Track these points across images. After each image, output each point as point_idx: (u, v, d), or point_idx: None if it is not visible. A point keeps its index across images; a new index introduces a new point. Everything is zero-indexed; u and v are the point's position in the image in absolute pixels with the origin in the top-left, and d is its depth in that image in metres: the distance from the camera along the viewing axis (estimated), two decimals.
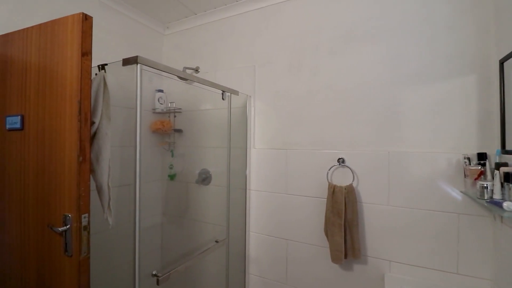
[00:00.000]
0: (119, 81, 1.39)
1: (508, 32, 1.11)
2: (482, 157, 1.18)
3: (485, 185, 1.07)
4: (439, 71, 1.34)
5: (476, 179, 1.14)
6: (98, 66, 1.17)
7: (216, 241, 1.70)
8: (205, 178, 1.99)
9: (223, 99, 1.70)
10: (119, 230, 1.46)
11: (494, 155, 1.16)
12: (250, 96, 1.87)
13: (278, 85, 1.77)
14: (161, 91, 2.10)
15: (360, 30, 1.52)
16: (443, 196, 1.31)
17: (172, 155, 2.15)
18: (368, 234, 1.47)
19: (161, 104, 2.08)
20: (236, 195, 1.85)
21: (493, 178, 1.08)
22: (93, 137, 1.11)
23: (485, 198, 1.07)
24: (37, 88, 1.10)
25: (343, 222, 1.43)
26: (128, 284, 1.12)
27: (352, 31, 1.54)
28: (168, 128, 2.07)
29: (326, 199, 1.52)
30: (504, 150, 1.12)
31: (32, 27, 1.12)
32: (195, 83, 1.53)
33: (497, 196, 1.04)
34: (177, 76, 1.36)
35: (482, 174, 1.14)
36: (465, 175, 1.23)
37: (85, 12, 1.01)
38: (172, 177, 2.15)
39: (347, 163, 1.52)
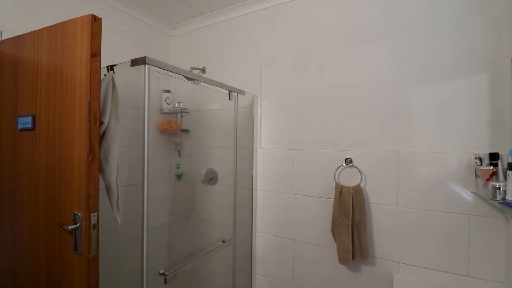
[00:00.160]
0: (127, 82, 1.41)
1: None
2: (494, 157, 1.15)
3: (498, 186, 1.05)
4: (448, 69, 1.31)
5: (488, 179, 1.12)
6: (107, 67, 1.18)
7: (223, 241, 1.70)
8: (211, 178, 1.99)
9: (229, 99, 1.71)
10: (127, 229, 1.47)
11: (506, 155, 1.13)
12: (257, 96, 1.87)
13: (284, 85, 1.77)
14: (168, 91, 2.12)
15: (367, 29, 1.51)
16: (453, 197, 1.29)
17: (179, 155, 2.16)
18: (376, 235, 1.45)
19: (168, 104, 2.10)
20: (243, 195, 1.85)
21: (505, 178, 1.05)
22: (102, 137, 1.12)
23: (497, 199, 1.04)
24: (48, 89, 1.12)
25: (350, 222, 1.42)
26: (136, 282, 1.14)
27: (359, 29, 1.53)
28: (175, 128, 2.08)
29: (333, 200, 1.51)
30: None
31: (43, 29, 1.14)
32: (202, 83, 1.54)
33: (510, 197, 1.01)
34: (184, 76, 1.37)
35: (494, 174, 1.11)
36: (476, 175, 1.20)
37: (94, 13, 1.03)
38: (179, 176, 2.16)
39: (354, 163, 1.51)
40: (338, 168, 1.55)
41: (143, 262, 1.12)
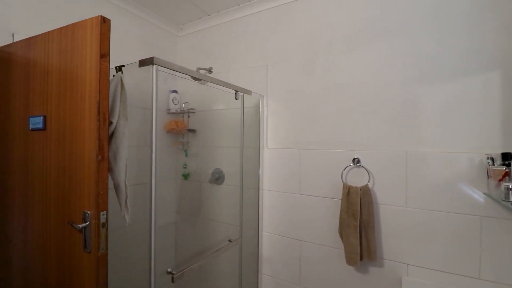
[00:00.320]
0: (135, 82, 1.43)
1: None
2: (507, 157, 1.13)
3: (510, 187, 1.02)
4: (458, 67, 1.29)
5: (500, 180, 1.09)
6: (116, 67, 1.19)
7: (230, 241, 1.70)
8: (218, 178, 2.00)
9: (236, 99, 1.71)
10: (135, 227, 1.49)
11: None
12: (263, 96, 1.86)
13: (291, 84, 1.76)
14: (175, 91, 2.14)
15: (375, 27, 1.49)
16: (464, 198, 1.26)
17: (186, 155, 2.18)
18: (384, 236, 1.44)
19: (175, 104, 2.12)
20: (249, 194, 1.85)
21: None
22: (111, 136, 1.14)
23: (510, 200, 1.02)
24: (59, 89, 1.14)
25: (358, 223, 1.40)
26: (144, 280, 1.15)
27: (368, 27, 1.51)
28: (182, 128, 2.09)
29: (340, 200, 1.50)
30: None
31: (53, 30, 1.16)
32: (209, 83, 1.55)
33: None
34: (191, 76, 1.37)
35: (507, 175, 1.09)
36: (488, 176, 1.17)
37: (103, 15, 1.04)
38: (186, 176, 2.17)
39: (362, 163, 1.49)
40: (345, 168, 1.53)
41: (151, 260, 1.13)
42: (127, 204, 1.20)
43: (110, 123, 1.12)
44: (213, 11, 2.07)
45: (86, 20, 1.06)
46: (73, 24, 1.10)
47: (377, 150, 1.47)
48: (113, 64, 1.12)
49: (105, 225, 1.05)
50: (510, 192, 1.02)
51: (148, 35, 2.09)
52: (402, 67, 1.42)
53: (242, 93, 1.74)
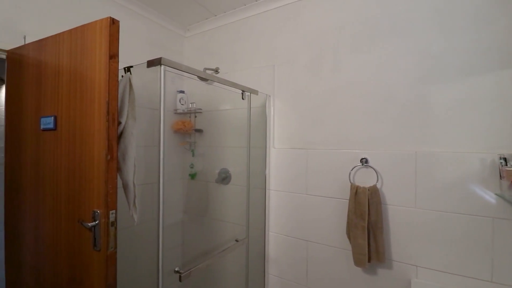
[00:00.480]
0: (143, 83, 1.44)
1: None
2: None
3: None
4: (470, 66, 1.26)
5: None
6: (124, 68, 1.21)
7: (236, 240, 1.71)
8: (224, 178, 2.00)
9: (242, 99, 1.71)
10: (143, 226, 1.50)
11: None
12: (270, 96, 1.86)
13: (298, 84, 1.75)
14: (182, 92, 2.15)
15: (385, 25, 1.47)
16: (475, 199, 1.23)
17: (193, 155, 2.19)
18: (393, 237, 1.42)
19: (182, 104, 2.13)
20: (256, 194, 1.85)
21: None
22: (119, 136, 1.15)
23: None
24: (69, 90, 1.16)
25: (366, 224, 1.39)
26: (152, 279, 1.16)
27: (376, 26, 1.49)
28: (189, 128, 2.11)
29: (348, 200, 1.48)
30: None
31: (64, 32, 1.19)
32: (215, 83, 1.55)
33: None
34: (198, 76, 1.38)
35: None
36: (500, 176, 1.15)
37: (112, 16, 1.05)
38: (192, 176, 2.19)
39: (370, 163, 1.47)
40: (353, 168, 1.52)
41: (159, 259, 1.14)
42: (136, 204, 1.21)
43: (119, 123, 1.14)
44: (220, 12, 2.08)
45: (95, 21, 1.07)
46: (83, 26, 1.11)
47: (385, 150, 1.45)
48: (121, 65, 1.13)
49: (114, 224, 1.06)
50: None
51: (156, 36, 2.11)
52: (410, 66, 1.39)
53: (249, 93, 1.74)
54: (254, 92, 1.77)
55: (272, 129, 1.85)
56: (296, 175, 1.74)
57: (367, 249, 1.38)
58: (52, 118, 1.20)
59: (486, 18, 1.23)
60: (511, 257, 1.17)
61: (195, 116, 2.18)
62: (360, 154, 1.51)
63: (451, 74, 1.30)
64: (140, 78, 1.30)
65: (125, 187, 1.20)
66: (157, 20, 2.11)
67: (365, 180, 1.49)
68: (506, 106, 1.20)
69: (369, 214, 1.40)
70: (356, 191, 1.44)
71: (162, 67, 1.12)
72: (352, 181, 1.51)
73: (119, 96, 1.14)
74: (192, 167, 2.18)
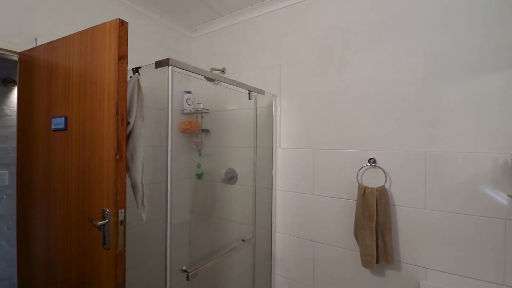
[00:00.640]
0: (151, 83, 1.45)
1: None
2: None
3: None
4: (483, 64, 1.24)
5: None
6: (132, 69, 1.22)
7: (243, 240, 1.71)
8: (231, 178, 2.01)
9: (249, 99, 1.71)
10: (151, 225, 1.52)
11: None
12: (276, 96, 1.86)
13: (304, 84, 1.75)
14: (189, 92, 2.17)
15: (393, 23, 1.45)
16: (487, 200, 1.21)
17: (200, 155, 2.20)
18: (402, 239, 1.40)
19: (189, 105, 2.15)
20: (262, 194, 1.85)
21: None
22: (128, 136, 1.16)
23: None
24: (79, 91, 1.18)
25: (374, 225, 1.37)
26: (159, 278, 1.17)
27: (385, 24, 1.47)
28: (195, 128, 2.12)
29: (355, 201, 1.47)
30: None
31: (74, 34, 1.21)
32: (222, 84, 1.56)
33: None
34: (204, 77, 1.39)
35: None
36: None
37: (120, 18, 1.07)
38: (199, 176, 2.20)
39: (378, 164, 1.46)
40: (361, 168, 1.51)
41: (167, 258, 1.15)
42: (144, 203, 1.23)
43: (128, 123, 1.15)
44: (227, 12, 2.09)
45: (105, 23, 1.09)
46: (93, 28, 1.13)
47: (394, 150, 1.43)
48: (129, 66, 1.14)
49: (123, 222, 1.08)
50: None
51: (163, 37, 2.13)
52: (418, 64, 1.37)
53: (255, 93, 1.74)
54: (261, 92, 1.77)
55: (279, 129, 1.85)
56: (303, 175, 1.73)
57: (375, 250, 1.37)
58: (63, 118, 1.23)
59: (495, 15, 1.21)
60: None
61: (202, 116, 2.19)
62: (368, 154, 1.49)
63: (459, 72, 1.28)
64: (148, 79, 1.31)
65: (134, 186, 1.21)
66: (164, 21, 2.13)
67: (373, 180, 1.47)
68: None
69: (377, 215, 1.38)
70: (364, 192, 1.43)
71: (170, 67, 1.13)
72: (360, 182, 1.50)
73: (128, 96, 1.15)
74: (199, 167, 2.20)
